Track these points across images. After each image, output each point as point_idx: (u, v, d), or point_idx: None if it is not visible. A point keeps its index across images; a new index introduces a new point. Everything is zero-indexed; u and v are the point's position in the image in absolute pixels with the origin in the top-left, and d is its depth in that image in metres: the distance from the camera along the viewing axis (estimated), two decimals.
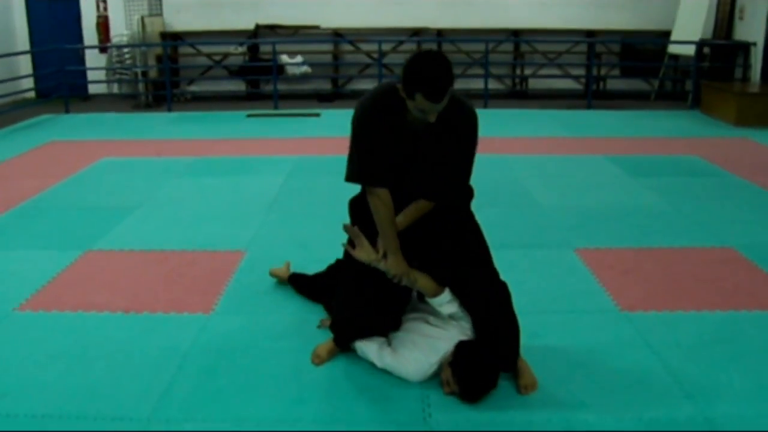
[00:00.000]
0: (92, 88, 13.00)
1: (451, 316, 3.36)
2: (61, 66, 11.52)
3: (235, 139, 9.22)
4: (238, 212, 6.03)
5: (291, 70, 12.48)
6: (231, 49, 12.90)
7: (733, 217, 5.90)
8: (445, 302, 3.33)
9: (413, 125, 3.07)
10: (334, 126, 10.01)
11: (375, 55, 12.72)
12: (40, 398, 3.20)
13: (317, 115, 10.84)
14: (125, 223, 5.78)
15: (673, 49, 12.42)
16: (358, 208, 3.44)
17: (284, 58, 12.41)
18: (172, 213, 6.06)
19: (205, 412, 3.11)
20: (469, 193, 3.41)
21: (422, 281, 3.31)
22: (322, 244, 4.89)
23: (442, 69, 2.85)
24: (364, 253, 3.27)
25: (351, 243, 3.36)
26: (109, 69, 12.34)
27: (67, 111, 11.39)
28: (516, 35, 13.22)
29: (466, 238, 3.40)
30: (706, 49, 12.11)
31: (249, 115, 10.90)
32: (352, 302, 3.44)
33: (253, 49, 12.75)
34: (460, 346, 3.22)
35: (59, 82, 11.64)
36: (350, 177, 3.20)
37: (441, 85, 2.84)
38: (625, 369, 3.46)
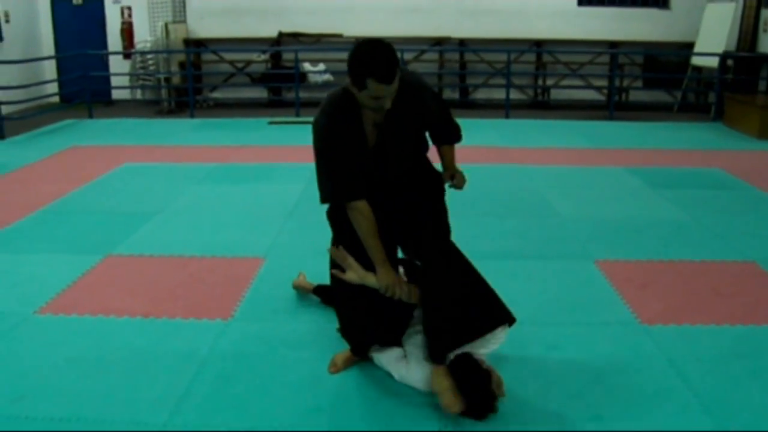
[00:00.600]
0: (116, 94, 13.12)
1: None
2: (84, 71, 11.60)
3: (256, 146, 9.26)
4: (257, 219, 6.05)
5: (313, 78, 12.52)
6: (254, 56, 12.97)
7: (755, 231, 5.84)
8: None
9: (374, 121, 3.13)
10: None
11: None
12: (57, 401, 3.22)
13: None
14: (145, 228, 5.81)
15: (696, 60, 12.35)
16: (337, 217, 3.40)
17: (306, 66, 12.45)
18: (191, 219, 6.09)
19: (222, 418, 3.12)
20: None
21: (414, 290, 3.30)
22: None
23: (387, 51, 2.91)
24: (353, 273, 3.27)
25: (337, 266, 3.35)
26: (133, 75, 12.43)
27: (90, 116, 11.48)
28: (538, 45, 13.18)
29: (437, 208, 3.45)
30: (729, 61, 12.02)
31: (270, 123, 10.95)
32: (356, 307, 3.43)
33: (276, 57, 12.80)
34: (457, 366, 3.14)
35: (82, 88, 11.74)
36: (326, 198, 3.22)
37: (390, 65, 2.89)
38: (644, 382, 3.43)
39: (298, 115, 11.50)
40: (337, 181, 3.15)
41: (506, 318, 3.39)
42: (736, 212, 6.40)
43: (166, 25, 12.17)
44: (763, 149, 9.32)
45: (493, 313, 3.36)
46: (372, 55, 2.90)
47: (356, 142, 3.14)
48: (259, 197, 6.75)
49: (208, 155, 8.62)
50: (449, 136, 3.62)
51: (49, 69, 13.13)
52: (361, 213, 3.16)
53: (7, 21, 12.27)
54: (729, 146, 9.55)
